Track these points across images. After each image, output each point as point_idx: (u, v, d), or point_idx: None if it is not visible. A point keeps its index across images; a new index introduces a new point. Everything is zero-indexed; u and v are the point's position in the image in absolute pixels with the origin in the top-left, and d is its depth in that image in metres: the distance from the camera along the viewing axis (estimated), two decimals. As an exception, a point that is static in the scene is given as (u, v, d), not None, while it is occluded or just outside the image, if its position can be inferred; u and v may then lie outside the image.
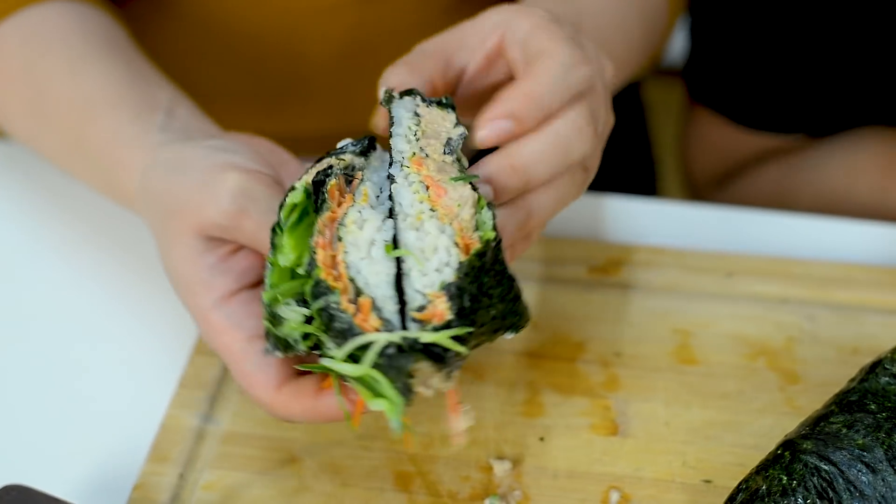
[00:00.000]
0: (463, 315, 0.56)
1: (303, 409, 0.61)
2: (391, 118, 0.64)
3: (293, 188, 0.60)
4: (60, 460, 0.69)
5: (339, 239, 0.59)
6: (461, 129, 0.64)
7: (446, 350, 0.55)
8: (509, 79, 0.66)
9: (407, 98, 0.64)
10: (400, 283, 0.58)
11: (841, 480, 0.59)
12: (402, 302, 0.57)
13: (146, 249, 0.74)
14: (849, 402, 0.63)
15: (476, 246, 0.58)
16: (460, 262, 0.58)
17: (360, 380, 0.58)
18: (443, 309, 0.57)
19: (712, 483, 0.65)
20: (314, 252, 0.58)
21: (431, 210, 0.60)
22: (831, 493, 0.59)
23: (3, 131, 0.83)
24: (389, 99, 0.64)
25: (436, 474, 0.66)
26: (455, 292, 0.57)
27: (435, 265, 0.58)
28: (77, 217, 0.83)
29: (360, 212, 0.60)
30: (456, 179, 0.61)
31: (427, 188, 0.60)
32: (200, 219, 0.63)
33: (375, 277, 0.58)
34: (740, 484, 0.61)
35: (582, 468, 0.66)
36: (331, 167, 0.61)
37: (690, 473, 0.65)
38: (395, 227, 0.59)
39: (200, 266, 0.63)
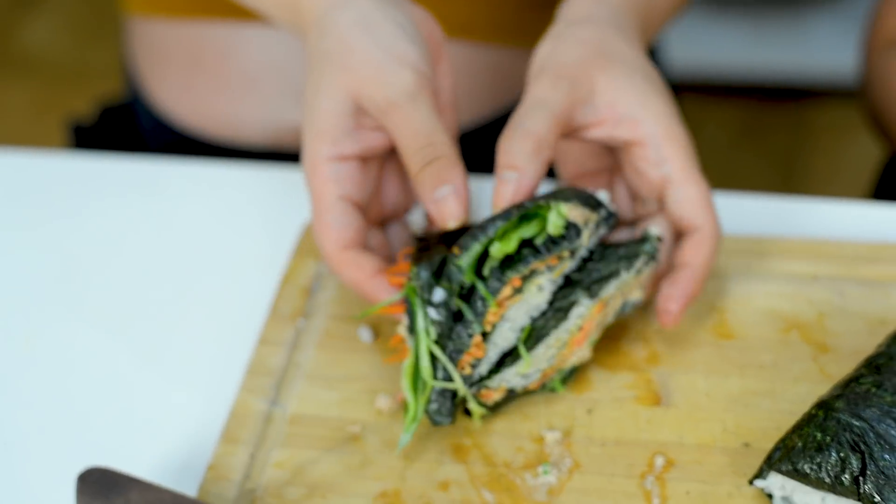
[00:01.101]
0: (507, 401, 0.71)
1: (353, 277, 0.71)
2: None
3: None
4: (138, 446, 0.73)
5: (520, 291, 0.68)
6: (638, 297, 0.73)
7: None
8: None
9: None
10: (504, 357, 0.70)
11: (871, 434, 0.63)
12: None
13: (212, 250, 0.79)
14: (877, 365, 0.67)
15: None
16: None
17: (414, 374, 0.66)
18: (497, 398, 0.69)
19: (751, 446, 0.69)
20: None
21: (563, 347, 0.70)
22: (862, 447, 0.63)
23: None
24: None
25: (491, 446, 0.70)
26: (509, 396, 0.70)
27: (526, 374, 0.69)
28: (148, 216, 0.89)
29: (542, 286, 0.69)
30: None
31: (580, 329, 0.70)
32: (366, 90, 0.71)
33: (502, 341, 0.69)
34: (777, 444, 0.65)
35: (628, 436, 0.70)
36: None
37: (730, 438, 0.69)
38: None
39: (339, 121, 0.72)
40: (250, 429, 0.72)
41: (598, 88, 0.72)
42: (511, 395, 0.71)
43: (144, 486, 0.68)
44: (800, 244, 0.80)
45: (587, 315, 0.70)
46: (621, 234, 0.75)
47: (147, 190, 0.91)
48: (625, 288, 0.72)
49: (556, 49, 0.74)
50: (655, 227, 0.73)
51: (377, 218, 0.76)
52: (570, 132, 0.72)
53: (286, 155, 1.00)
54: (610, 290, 0.71)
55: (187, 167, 0.93)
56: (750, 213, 0.83)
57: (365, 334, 0.77)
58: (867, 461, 0.62)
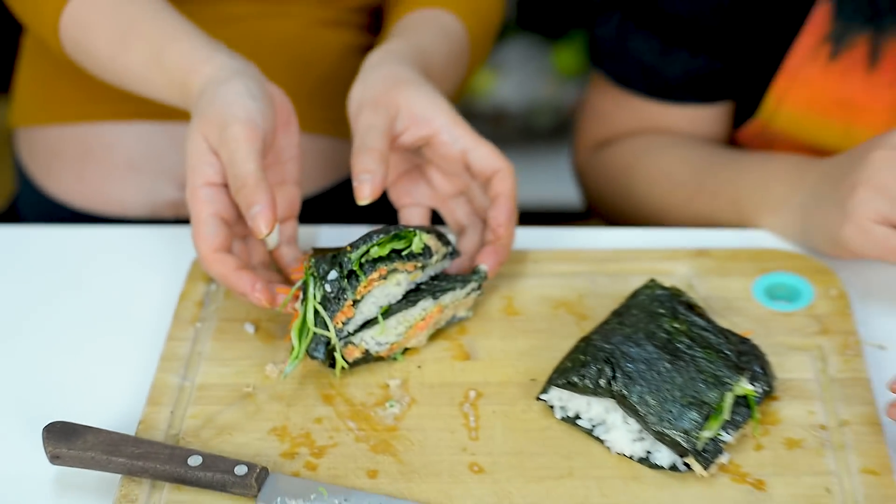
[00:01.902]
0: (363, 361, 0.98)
1: (220, 271, 0.97)
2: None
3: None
4: (83, 416, 0.96)
5: (384, 278, 0.96)
6: (465, 314, 1.03)
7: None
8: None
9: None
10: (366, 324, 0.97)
11: (618, 352, 0.92)
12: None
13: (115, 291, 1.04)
14: (619, 312, 0.96)
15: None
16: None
17: (302, 326, 0.92)
18: (357, 356, 0.96)
19: (536, 380, 0.97)
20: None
21: (408, 328, 0.98)
22: (612, 360, 0.91)
23: (83, 57, 1.14)
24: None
25: (350, 393, 0.96)
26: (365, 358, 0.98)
27: (380, 339, 0.97)
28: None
29: (396, 287, 0.97)
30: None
31: (423, 319, 0.99)
32: (209, 131, 0.97)
33: (367, 310, 0.96)
34: (554, 369, 0.94)
35: (448, 380, 0.97)
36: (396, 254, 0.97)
37: (521, 376, 0.97)
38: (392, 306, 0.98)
39: (201, 157, 0.98)
40: (168, 396, 0.96)
41: (401, 104, 1.02)
42: (366, 358, 0.97)
43: (96, 431, 0.91)
44: (563, 253, 1.09)
45: (429, 311, 0.98)
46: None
47: (51, 253, 1.15)
48: (457, 303, 1.00)
49: (366, 87, 1.03)
50: (483, 266, 1.02)
51: (241, 233, 1.03)
52: (392, 143, 1.01)
53: (164, 222, 1.26)
54: (446, 299, 0.99)
55: (86, 230, 1.18)
56: (529, 237, 1.12)
57: (249, 328, 1.02)
58: (616, 369, 0.91)
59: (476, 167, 1.03)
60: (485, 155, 1.02)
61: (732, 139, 1.27)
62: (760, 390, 0.93)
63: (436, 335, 1.01)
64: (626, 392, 0.90)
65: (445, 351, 1.00)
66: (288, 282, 1.01)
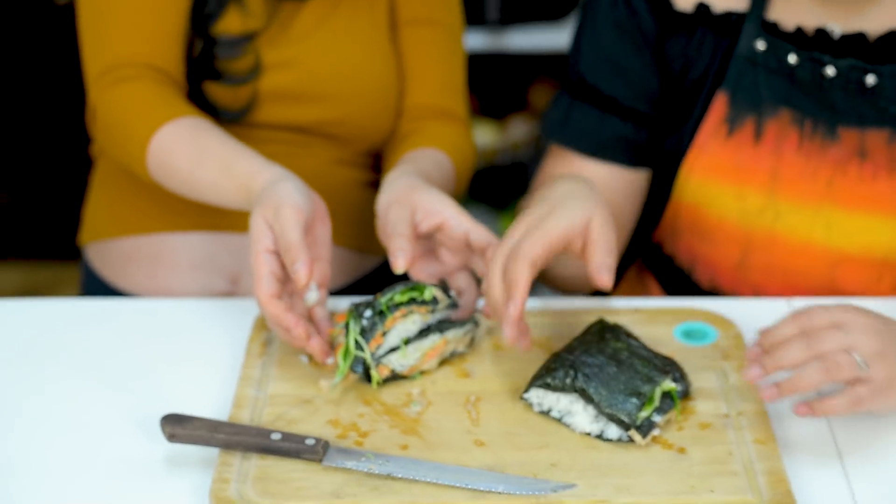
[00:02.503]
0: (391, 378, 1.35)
1: (273, 313, 1.32)
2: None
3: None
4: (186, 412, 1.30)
5: (406, 316, 1.33)
6: (463, 349, 1.40)
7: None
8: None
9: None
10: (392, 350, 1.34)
11: (578, 361, 1.28)
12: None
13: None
14: (578, 338, 1.33)
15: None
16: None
17: (346, 351, 1.28)
18: (386, 374, 1.31)
19: (518, 388, 1.32)
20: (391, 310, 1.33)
21: (422, 356, 1.35)
22: (575, 366, 1.27)
23: (165, 175, 1.50)
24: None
25: (383, 398, 1.31)
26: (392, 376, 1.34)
27: (402, 362, 1.34)
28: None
29: (413, 324, 1.34)
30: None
31: (433, 349, 1.36)
32: (267, 212, 1.33)
33: (393, 340, 1.33)
34: (533, 376, 1.30)
35: (455, 389, 1.33)
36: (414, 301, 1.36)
37: (507, 386, 1.33)
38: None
39: (259, 230, 1.34)
40: (248, 402, 1.31)
41: (418, 202, 1.40)
42: (393, 376, 1.33)
43: (199, 419, 1.26)
44: (534, 311, 1.46)
45: (436, 343, 1.34)
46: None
47: (144, 320, 1.50)
48: (457, 339, 1.37)
49: (390, 193, 1.42)
50: (478, 314, 1.39)
51: (290, 290, 1.38)
52: (414, 231, 1.39)
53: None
54: (449, 335, 1.35)
55: (166, 302, 1.54)
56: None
57: (304, 359, 1.37)
58: (577, 372, 1.27)
59: (476, 243, 1.40)
60: (482, 233, 1.40)
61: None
62: (680, 388, 1.29)
63: (443, 363, 1.37)
64: (585, 386, 1.26)
65: (451, 372, 1.36)
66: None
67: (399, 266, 1.35)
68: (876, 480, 1.23)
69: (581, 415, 1.27)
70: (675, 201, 1.59)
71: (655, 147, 1.60)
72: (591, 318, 1.42)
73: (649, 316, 1.45)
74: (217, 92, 1.65)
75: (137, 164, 1.54)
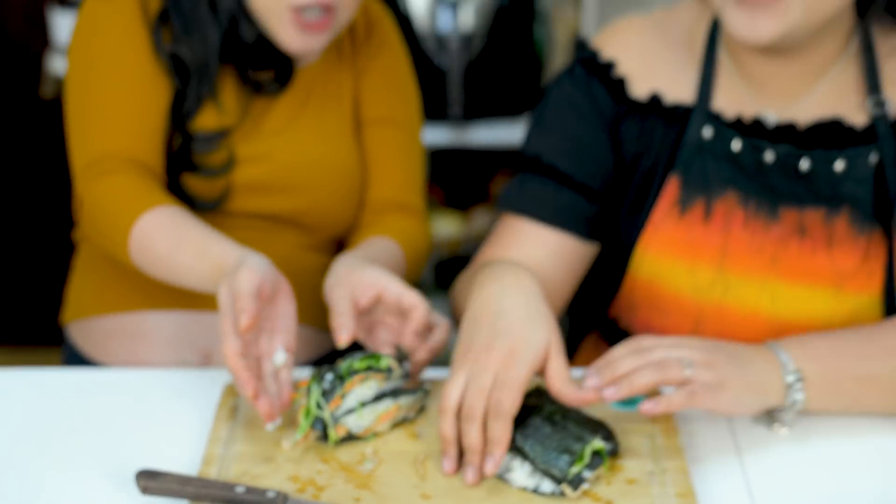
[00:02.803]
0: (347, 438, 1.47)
1: (235, 376, 1.43)
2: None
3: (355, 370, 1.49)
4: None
5: (363, 381, 1.46)
6: (412, 415, 1.54)
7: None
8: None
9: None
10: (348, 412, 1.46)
11: (517, 423, 1.41)
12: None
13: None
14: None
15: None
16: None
17: (307, 413, 1.41)
18: (342, 434, 1.44)
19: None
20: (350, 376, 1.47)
21: (376, 419, 1.48)
22: (514, 426, 1.41)
23: (145, 259, 1.63)
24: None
25: (340, 457, 1.44)
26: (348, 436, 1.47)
27: (358, 423, 1.47)
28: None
29: (369, 389, 1.47)
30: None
31: (387, 412, 1.49)
32: (229, 280, 1.46)
33: (350, 402, 1.45)
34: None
35: (405, 449, 1.45)
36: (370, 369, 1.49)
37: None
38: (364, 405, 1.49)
39: (224, 296, 1.46)
40: (216, 460, 1.43)
41: (356, 280, 1.53)
42: (349, 436, 1.45)
43: (171, 475, 1.38)
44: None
45: (389, 407, 1.47)
46: None
47: (118, 386, 1.63)
48: (408, 406, 1.50)
49: (334, 276, 1.56)
50: (428, 384, 1.52)
51: (258, 353, 1.51)
52: (356, 307, 1.52)
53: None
54: (401, 401, 1.49)
55: (141, 372, 1.66)
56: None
57: (270, 426, 1.50)
58: (516, 432, 1.40)
59: (406, 306, 1.54)
60: (412, 296, 1.54)
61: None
62: (609, 447, 1.42)
63: (395, 426, 1.50)
64: (522, 445, 1.39)
65: (402, 434, 1.49)
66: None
67: (342, 341, 1.48)
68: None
69: (518, 470, 1.40)
70: (632, 277, 1.73)
71: (604, 223, 1.74)
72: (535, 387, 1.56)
73: (585, 384, 1.59)
74: (194, 183, 1.79)
75: (120, 250, 1.67)
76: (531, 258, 1.71)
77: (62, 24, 2.87)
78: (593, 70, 1.74)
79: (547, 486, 1.38)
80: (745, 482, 1.42)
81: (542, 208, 1.72)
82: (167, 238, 1.63)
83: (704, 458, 1.46)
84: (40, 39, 3.24)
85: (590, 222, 1.73)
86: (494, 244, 1.75)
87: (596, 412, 1.52)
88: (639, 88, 1.71)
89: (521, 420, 1.42)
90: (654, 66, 1.72)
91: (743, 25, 1.55)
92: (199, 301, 1.79)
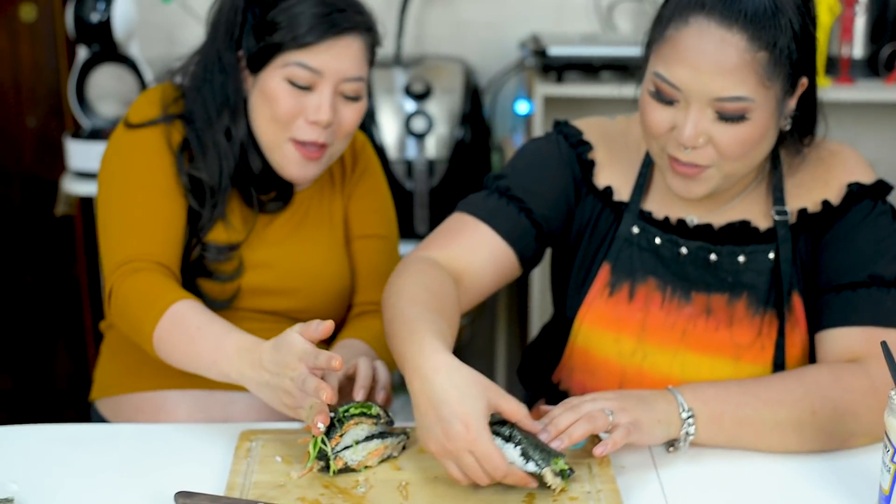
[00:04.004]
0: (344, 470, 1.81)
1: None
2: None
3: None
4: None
5: (357, 424, 1.81)
6: (396, 454, 1.87)
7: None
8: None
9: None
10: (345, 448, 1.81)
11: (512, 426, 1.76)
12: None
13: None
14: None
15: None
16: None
17: (314, 446, 1.77)
18: (340, 465, 1.79)
19: (438, 477, 1.80)
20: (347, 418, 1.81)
21: (368, 454, 1.83)
22: (512, 426, 1.76)
23: (167, 351, 1.94)
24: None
25: (339, 483, 1.78)
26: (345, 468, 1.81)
27: (353, 457, 1.81)
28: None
29: (362, 430, 1.82)
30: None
31: (376, 450, 1.83)
32: (281, 341, 1.81)
33: (348, 440, 1.80)
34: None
35: (391, 477, 1.80)
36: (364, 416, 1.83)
37: (427, 475, 1.81)
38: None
39: (286, 346, 1.80)
40: (237, 487, 1.77)
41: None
42: (345, 468, 1.80)
43: (205, 494, 1.71)
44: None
45: (378, 446, 1.82)
46: None
47: (147, 442, 1.97)
48: (393, 445, 1.84)
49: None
50: (409, 429, 1.87)
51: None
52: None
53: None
54: (387, 441, 1.83)
55: (165, 426, 2.00)
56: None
57: (278, 459, 1.84)
58: (514, 429, 1.75)
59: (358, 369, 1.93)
60: (360, 363, 1.94)
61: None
62: (568, 469, 1.77)
63: (382, 461, 1.85)
64: (520, 435, 1.72)
65: (388, 467, 1.83)
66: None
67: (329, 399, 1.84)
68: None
69: (508, 450, 1.72)
70: (570, 346, 2.09)
71: (536, 261, 2.09)
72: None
73: (536, 430, 1.94)
74: (208, 287, 2.15)
75: (146, 337, 1.99)
76: (473, 252, 2.00)
77: (75, 151, 3.24)
78: (572, 144, 2.09)
79: (531, 466, 1.72)
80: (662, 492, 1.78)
81: (498, 220, 2.02)
82: (185, 332, 1.94)
83: (629, 473, 1.82)
84: (55, 167, 3.64)
85: (531, 252, 2.06)
86: (444, 234, 2.02)
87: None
88: (602, 178, 2.08)
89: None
90: (613, 163, 2.08)
91: (679, 187, 1.93)
92: (214, 381, 2.11)
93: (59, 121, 3.67)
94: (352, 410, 1.82)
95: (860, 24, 3.36)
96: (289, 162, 2.13)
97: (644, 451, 1.88)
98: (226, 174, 2.14)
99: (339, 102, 2.11)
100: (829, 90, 3.19)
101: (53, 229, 3.69)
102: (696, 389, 1.85)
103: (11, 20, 3.63)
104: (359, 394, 1.91)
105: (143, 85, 3.27)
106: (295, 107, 2.08)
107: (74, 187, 3.23)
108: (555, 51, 3.25)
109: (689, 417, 1.82)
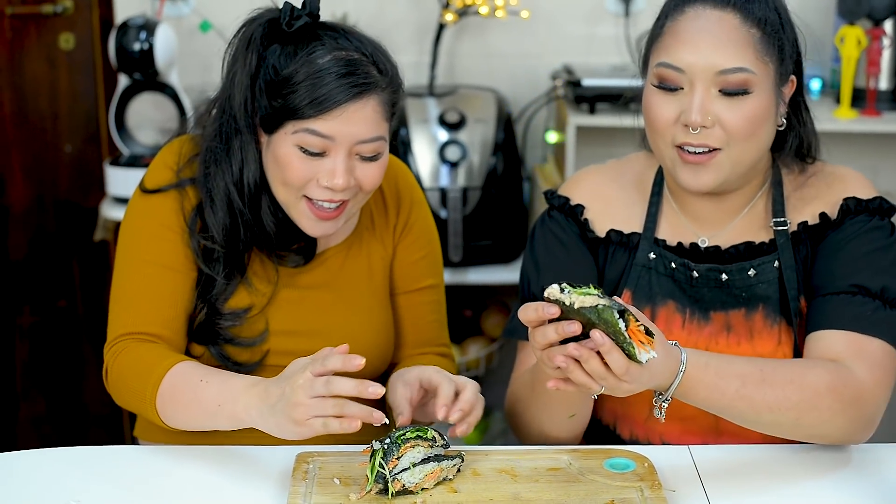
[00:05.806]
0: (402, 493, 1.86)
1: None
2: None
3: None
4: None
5: (413, 447, 1.86)
6: (451, 475, 1.93)
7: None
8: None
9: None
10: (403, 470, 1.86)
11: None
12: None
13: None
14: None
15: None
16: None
17: (372, 468, 1.81)
18: (399, 487, 1.84)
19: (493, 500, 1.84)
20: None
21: (425, 476, 1.88)
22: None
23: (171, 412, 1.96)
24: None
25: (396, 505, 1.83)
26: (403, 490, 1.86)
27: (410, 479, 1.86)
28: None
29: (419, 453, 1.87)
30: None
31: (432, 472, 1.88)
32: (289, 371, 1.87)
33: (405, 462, 1.85)
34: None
35: (448, 500, 1.85)
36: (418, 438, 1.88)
37: (485, 496, 1.85)
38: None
39: (293, 373, 1.85)
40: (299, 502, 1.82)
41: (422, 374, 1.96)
42: (403, 490, 1.84)
43: (268, 514, 1.76)
44: (502, 451, 1.99)
45: (434, 468, 1.87)
46: None
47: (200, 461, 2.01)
48: (448, 468, 1.89)
49: (392, 381, 2.00)
50: (464, 452, 1.92)
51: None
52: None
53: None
54: (443, 464, 1.88)
55: (214, 448, 2.05)
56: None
57: (336, 481, 1.88)
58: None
59: (433, 384, 1.98)
60: (437, 377, 1.98)
61: None
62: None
63: (438, 483, 1.89)
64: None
65: (444, 489, 1.88)
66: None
67: (400, 422, 1.91)
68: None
69: None
70: None
71: None
72: (546, 457, 1.95)
73: (585, 454, 1.98)
74: (234, 352, 2.12)
75: (149, 406, 1.96)
76: None
77: (114, 178, 3.30)
78: (566, 212, 2.18)
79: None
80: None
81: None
82: (192, 380, 1.93)
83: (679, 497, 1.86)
84: (91, 194, 3.69)
85: None
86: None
87: (596, 476, 1.91)
88: (599, 228, 2.17)
89: None
90: (610, 207, 2.18)
91: (689, 178, 2.02)
92: (232, 438, 2.06)
93: (95, 148, 3.73)
94: (408, 434, 1.87)
95: (887, 56, 3.41)
96: (305, 219, 2.07)
97: (694, 476, 1.93)
98: (239, 237, 2.09)
99: (357, 163, 2.02)
100: (855, 122, 3.24)
101: (88, 255, 3.75)
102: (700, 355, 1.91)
103: (51, 49, 3.69)
104: (440, 412, 1.95)
105: (181, 112, 3.32)
106: (307, 172, 2.01)
107: (113, 213, 3.29)
108: (588, 82, 3.31)
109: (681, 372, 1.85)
